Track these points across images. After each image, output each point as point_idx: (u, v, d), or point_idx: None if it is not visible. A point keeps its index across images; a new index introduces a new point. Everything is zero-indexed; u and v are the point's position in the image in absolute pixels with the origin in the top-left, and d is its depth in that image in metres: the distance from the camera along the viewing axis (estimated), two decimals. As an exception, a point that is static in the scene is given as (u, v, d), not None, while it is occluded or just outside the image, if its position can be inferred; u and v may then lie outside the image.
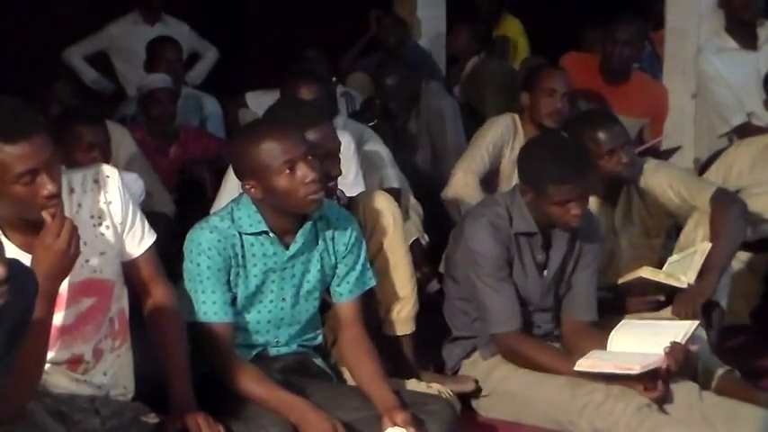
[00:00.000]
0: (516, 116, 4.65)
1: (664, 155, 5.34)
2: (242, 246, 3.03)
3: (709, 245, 3.74)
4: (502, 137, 4.57)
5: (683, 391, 3.30)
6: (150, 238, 2.91)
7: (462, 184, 4.42)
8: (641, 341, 3.35)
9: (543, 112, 4.50)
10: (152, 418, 2.78)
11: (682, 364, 3.24)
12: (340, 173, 3.33)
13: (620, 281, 3.84)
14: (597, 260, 3.62)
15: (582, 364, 3.32)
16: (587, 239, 3.56)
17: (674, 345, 3.27)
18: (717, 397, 3.34)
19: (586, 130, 3.91)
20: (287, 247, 3.07)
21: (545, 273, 3.51)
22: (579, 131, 3.92)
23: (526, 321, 3.52)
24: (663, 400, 3.27)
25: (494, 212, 3.47)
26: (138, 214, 2.90)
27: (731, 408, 3.28)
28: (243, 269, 3.04)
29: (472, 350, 3.59)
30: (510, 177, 4.49)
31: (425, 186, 5.04)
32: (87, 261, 2.76)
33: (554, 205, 3.38)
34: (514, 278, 3.48)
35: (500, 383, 3.46)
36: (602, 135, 3.88)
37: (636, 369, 3.22)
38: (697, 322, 3.45)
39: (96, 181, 2.82)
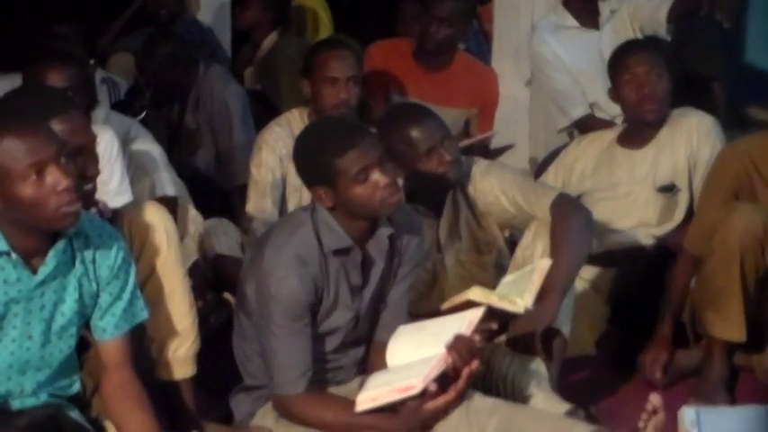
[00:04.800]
0: (303, 112, 4.67)
1: (494, 153, 5.46)
2: (-25, 271, 2.97)
3: (549, 261, 3.81)
4: (278, 155, 4.58)
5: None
6: None
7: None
8: (422, 344, 3.39)
9: (327, 105, 4.55)
10: None
11: (467, 357, 3.28)
12: (98, 172, 3.30)
13: (445, 305, 3.88)
14: (417, 269, 3.64)
15: (362, 403, 3.34)
16: (408, 244, 3.57)
17: (457, 337, 3.32)
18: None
19: (395, 130, 3.94)
20: (34, 272, 3.01)
21: (363, 295, 3.52)
22: (387, 134, 3.95)
23: (331, 367, 3.52)
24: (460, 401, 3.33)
25: (299, 239, 3.40)
26: None
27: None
28: (-24, 301, 2.98)
29: (266, 401, 3.55)
30: (299, 188, 4.51)
31: (208, 194, 5.00)
32: None
33: (355, 186, 3.34)
34: (321, 312, 3.45)
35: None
36: (414, 133, 3.92)
37: (417, 387, 3.26)
38: (482, 309, 3.47)
39: None
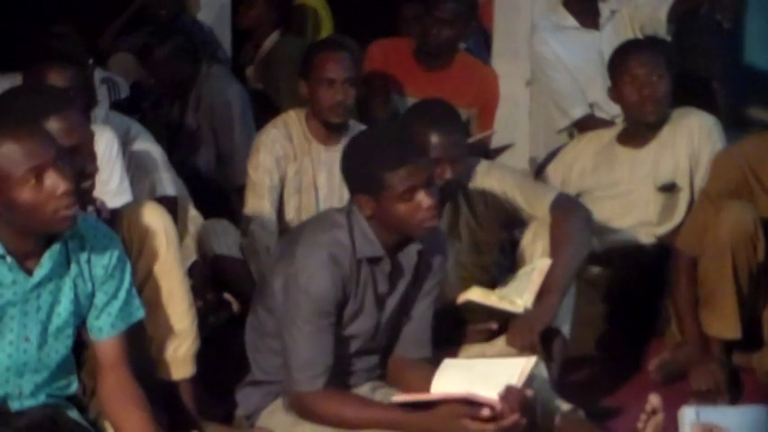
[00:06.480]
0: (300, 113, 4.63)
1: (494, 153, 5.44)
2: (-28, 274, 2.96)
3: (549, 261, 3.81)
4: (275, 157, 4.54)
5: None
6: None
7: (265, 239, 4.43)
8: (470, 384, 3.37)
9: (324, 106, 4.51)
10: None
11: (517, 411, 3.28)
12: (96, 169, 3.29)
13: (459, 302, 3.87)
14: (439, 285, 3.63)
15: (400, 397, 3.35)
16: (433, 260, 3.56)
17: (510, 389, 3.30)
18: None
19: (422, 120, 3.89)
20: (30, 274, 3.00)
21: (387, 304, 3.50)
22: (413, 117, 3.95)
23: (344, 371, 3.51)
24: None
25: (335, 239, 3.40)
26: None
27: None
28: (-27, 304, 2.97)
29: (275, 398, 3.54)
30: (298, 190, 4.51)
31: (208, 194, 4.99)
32: None
33: (399, 203, 3.34)
34: (346, 317, 3.45)
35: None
36: (433, 138, 3.87)
37: (461, 395, 3.26)
38: (534, 359, 3.49)
39: None
